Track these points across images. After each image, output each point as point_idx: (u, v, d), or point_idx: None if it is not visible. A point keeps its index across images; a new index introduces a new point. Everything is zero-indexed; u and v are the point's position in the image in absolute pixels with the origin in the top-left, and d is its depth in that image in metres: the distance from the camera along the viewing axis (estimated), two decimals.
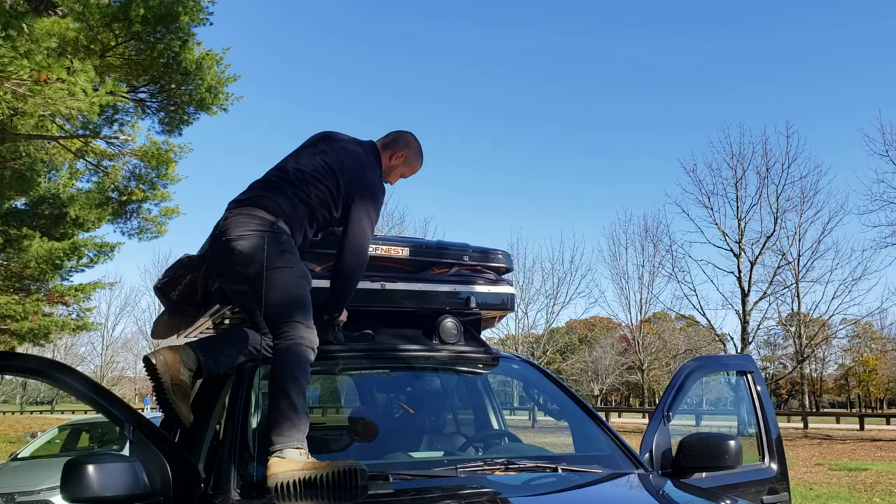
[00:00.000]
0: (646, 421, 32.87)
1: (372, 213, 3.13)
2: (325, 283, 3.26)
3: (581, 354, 58.98)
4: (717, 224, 32.12)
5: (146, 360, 2.78)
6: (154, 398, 2.81)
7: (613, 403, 65.33)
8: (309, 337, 2.76)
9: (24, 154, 17.13)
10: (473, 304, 3.53)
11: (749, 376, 3.55)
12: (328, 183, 3.07)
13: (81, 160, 18.11)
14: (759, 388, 3.56)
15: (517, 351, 41.67)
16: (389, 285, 3.39)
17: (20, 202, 21.45)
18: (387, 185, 3.35)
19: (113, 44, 13.18)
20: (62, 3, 13.31)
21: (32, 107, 8.12)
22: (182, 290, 3.32)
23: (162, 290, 3.36)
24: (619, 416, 40.31)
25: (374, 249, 3.35)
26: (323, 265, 3.22)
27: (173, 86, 13.89)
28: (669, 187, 73.62)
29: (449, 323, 3.51)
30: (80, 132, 16.39)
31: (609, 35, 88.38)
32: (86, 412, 36.85)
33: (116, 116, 15.72)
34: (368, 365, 3.49)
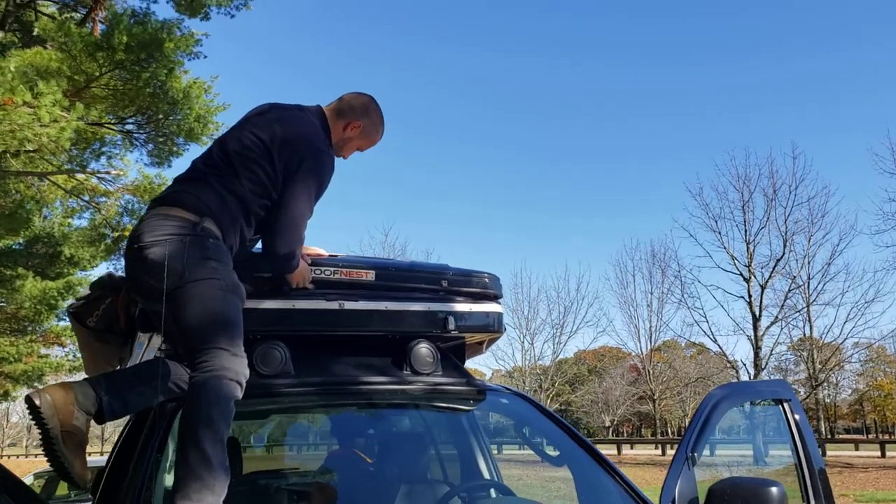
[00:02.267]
0: (658, 452, 31.92)
1: (313, 189, 2.59)
2: (272, 304, 2.72)
3: (591, 385, 58.02)
4: (725, 248, 31.45)
5: (28, 399, 2.19)
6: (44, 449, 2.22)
7: (625, 434, 64.12)
8: (234, 367, 2.20)
9: (13, 192, 16.72)
10: (452, 326, 2.95)
11: (786, 405, 2.95)
12: (262, 163, 2.54)
13: (74, 198, 17.69)
14: (797, 417, 2.96)
15: (525, 383, 40.88)
16: (350, 305, 2.82)
17: (17, 243, 21.06)
18: (339, 161, 2.82)
19: (97, 74, 12.78)
20: (44, 33, 12.97)
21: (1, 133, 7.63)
22: (101, 315, 2.76)
23: (76, 315, 2.80)
24: (632, 448, 39.31)
25: (332, 273, 2.80)
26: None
27: (161, 116, 13.49)
28: (676, 212, 73.01)
29: (423, 349, 2.94)
30: (69, 166, 16.01)
31: (611, 63, 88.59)
32: None
33: (104, 149, 15.34)
34: (322, 402, 2.90)
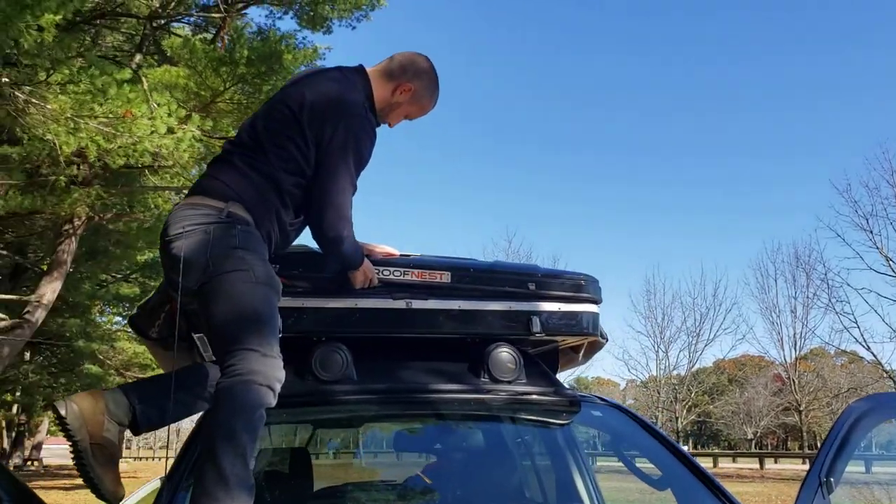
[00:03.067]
0: (806, 468, 29.75)
1: (351, 159, 2.28)
2: (333, 303, 2.46)
3: (731, 396, 55.27)
4: (878, 248, 29.00)
5: (54, 409, 2.02)
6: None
7: (769, 447, 60.66)
8: (264, 370, 1.94)
9: (153, 206, 17.60)
10: (537, 328, 2.59)
11: None
12: (291, 134, 2.28)
13: None
14: None
15: (659, 393, 39.38)
16: (418, 304, 2.52)
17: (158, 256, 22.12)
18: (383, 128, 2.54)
19: (222, 88, 13.21)
20: (172, 51, 13.54)
21: (121, 146, 7.89)
22: (162, 324, 2.59)
23: (137, 326, 2.65)
24: (776, 462, 37.04)
25: (402, 274, 2.52)
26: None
27: None
28: (820, 211, 68.43)
29: (503, 354, 2.60)
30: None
31: (747, 56, 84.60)
32: None
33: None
34: (386, 412, 2.61)
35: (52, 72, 6.83)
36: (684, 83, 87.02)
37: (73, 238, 14.70)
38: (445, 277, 2.55)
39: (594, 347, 3.02)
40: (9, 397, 28.77)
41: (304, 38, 15.36)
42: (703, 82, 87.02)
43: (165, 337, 2.64)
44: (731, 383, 58.98)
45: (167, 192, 16.55)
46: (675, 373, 40.41)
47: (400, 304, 2.51)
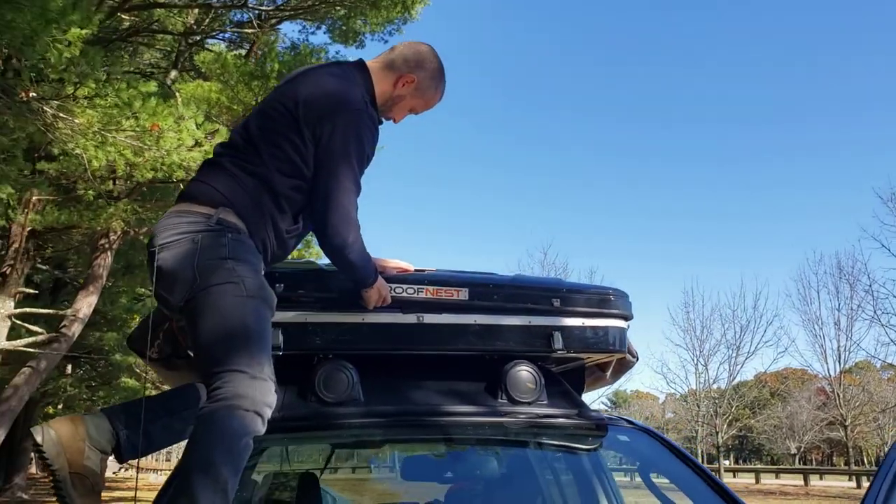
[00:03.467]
0: (853, 485, 28.86)
1: (353, 157, 2.11)
2: (337, 318, 2.31)
3: (773, 409, 54.00)
4: None
5: (31, 435, 1.88)
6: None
7: (814, 463, 59.15)
8: (251, 395, 1.78)
9: None
10: (559, 345, 2.40)
11: None
12: (287, 133, 2.12)
13: None
14: None
15: (699, 407, 38.56)
16: (430, 318, 2.35)
17: None
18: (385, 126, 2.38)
19: (254, 102, 13.22)
20: (203, 66, 13.61)
21: (149, 159, 7.88)
22: (162, 343, 2.45)
23: (135, 347, 2.52)
24: (821, 479, 36.05)
25: (416, 291, 2.35)
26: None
27: None
28: (864, 220, 66.67)
29: (523, 372, 2.42)
30: None
31: (789, 59, 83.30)
32: None
33: None
34: (394, 436, 2.44)
35: (78, 86, 6.82)
36: (723, 89, 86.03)
37: (110, 252, 14.80)
38: (462, 294, 2.37)
39: (623, 366, 2.82)
40: (51, 409, 29.17)
41: (336, 53, 15.37)
42: (744, 87, 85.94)
43: (167, 357, 2.50)
44: (774, 397, 57.69)
45: None
46: (714, 386, 39.56)
47: (411, 318, 2.34)
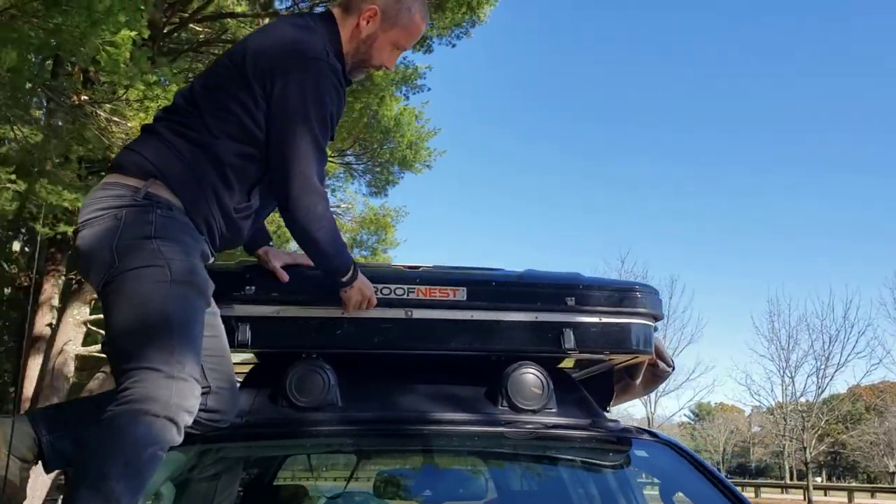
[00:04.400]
0: None
1: (312, 114, 1.81)
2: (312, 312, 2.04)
3: (869, 425, 51.33)
4: None
5: None
6: None
7: None
8: (163, 397, 1.53)
9: None
10: (570, 344, 2.07)
11: None
12: (233, 90, 1.84)
13: None
14: None
15: (786, 421, 36.91)
16: (420, 313, 2.05)
17: None
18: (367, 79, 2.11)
19: None
20: None
21: None
22: None
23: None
24: None
25: (406, 293, 2.04)
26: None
27: (375, 145, 13.63)
28: None
29: (527, 375, 2.09)
30: None
31: (883, 65, 79.66)
32: None
33: (328, 182, 15.95)
34: (374, 444, 2.14)
35: (128, 88, 6.82)
36: (813, 95, 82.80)
37: None
38: (460, 294, 2.06)
39: (657, 376, 2.47)
40: None
41: (403, 59, 15.24)
42: (834, 93, 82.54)
43: None
44: (869, 411, 54.84)
45: (271, 214, 16.84)
46: (802, 399, 37.79)
47: (398, 313, 2.05)
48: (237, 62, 1.85)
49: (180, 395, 1.55)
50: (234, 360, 2.12)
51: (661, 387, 33.78)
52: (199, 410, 1.79)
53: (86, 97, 6.97)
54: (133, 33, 6.80)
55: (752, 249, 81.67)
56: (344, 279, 1.93)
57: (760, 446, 59.73)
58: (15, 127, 10.86)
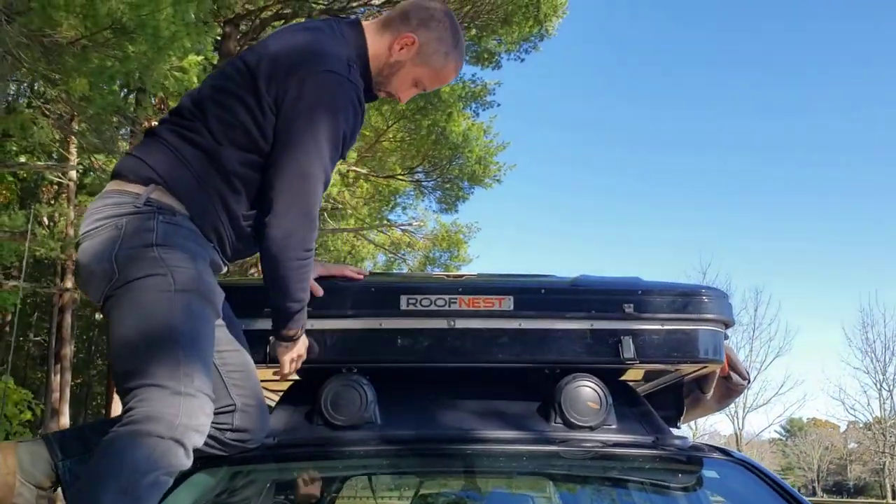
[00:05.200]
0: None
1: (322, 130, 1.65)
2: (348, 324, 1.92)
3: None
4: None
5: None
6: None
7: None
8: (168, 416, 1.42)
9: (332, 248, 18.19)
10: (630, 354, 1.89)
11: None
12: (242, 94, 1.70)
13: (382, 250, 18.71)
14: None
15: (885, 438, 35.05)
16: (464, 323, 1.90)
17: None
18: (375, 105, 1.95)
19: (384, 127, 13.32)
20: None
21: None
22: None
23: None
24: None
25: (447, 303, 1.89)
26: None
27: (444, 162, 13.62)
28: None
29: (584, 389, 1.92)
30: (376, 222, 16.97)
31: None
32: None
33: (398, 200, 16.01)
34: (419, 467, 1.99)
35: None
36: None
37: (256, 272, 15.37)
38: (506, 303, 1.91)
39: (731, 390, 2.26)
40: None
41: (472, 76, 15.21)
42: None
43: None
44: None
45: (345, 234, 17.03)
46: None
47: (440, 322, 1.90)
48: (251, 66, 1.73)
49: (188, 414, 1.44)
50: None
51: (749, 402, 32.60)
52: (226, 430, 1.69)
53: (156, 122, 7.11)
54: (200, 58, 6.92)
55: (841, 255, 78.22)
56: (292, 333, 1.77)
57: (858, 463, 56.81)
58: (96, 156, 11.25)
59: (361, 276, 1.97)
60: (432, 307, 1.89)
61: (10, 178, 11.21)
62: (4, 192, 11.62)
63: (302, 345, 1.80)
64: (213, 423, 1.68)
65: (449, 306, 1.90)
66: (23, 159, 11.13)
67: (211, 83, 1.80)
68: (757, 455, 37.47)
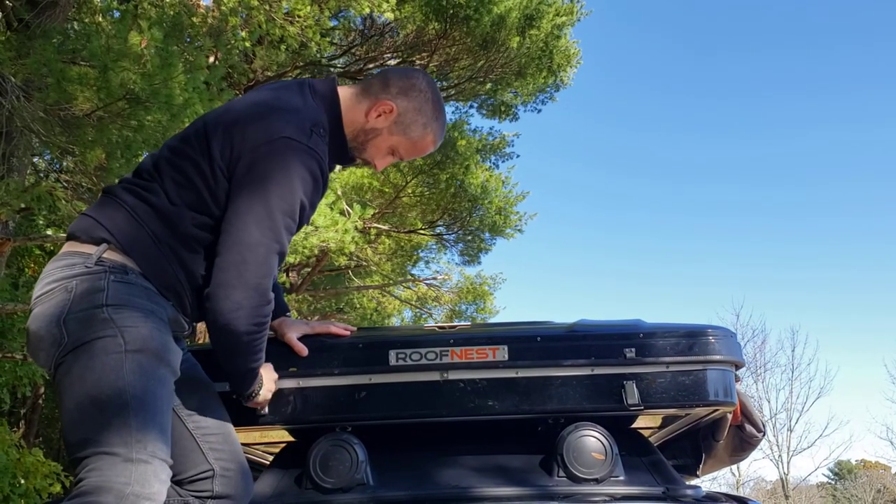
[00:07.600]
0: None
1: (274, 200, 1.57)
2: (336, 381, 1.85)
3: None
4: None
5: None
6: None
7: None
8: (118, 485, 1.36)
9: (358, 305, 18.18)
10: (635, 399, 1.79)
11: None
12: (195, 156, 1.65)
13: (408, 306, 18.67)
14: None
15: None
16: (457, 375, 1.82)
17: None
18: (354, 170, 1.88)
19: (403, 183, 13.36)
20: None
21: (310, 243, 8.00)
22: None
23: None
24: None
25: (437, 356, 1.82)
26: None
27: (464, 214, 13.60)
28: None
29: (588, 439, 1.82)
30: (400, 278, 16.96)
31: None
32: None
33: (421, 254, 15.98)
34: None
35: None
36: None
37: None
38: (500, 353, 1.82)
39: (747, 443, 2.15)
40: None
41: (490, 129, 15.28)
42: None
43: None
44: None
45: (370, 291, 17.01)
46: None
47: (432, 376, 1.83)
48: (209, 128, 1.68)
49: (141, 482, 1.37)
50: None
51: (793, 445, 31.57)
52: (206, 497, 1.61)
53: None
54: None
55: (879, 285, 76.53)
56: (251, 391, 1.70)
57: None
58: None
59: (348, 333, 1.91)
60: (423, 361, 1.82)
61: (38, 251, 11.36)
62: (32, 265, 11.79)
63: (268, 383, 1.73)
64: (192, 491, 1.61)
65: (440, 359, 1.82)
66: (49, 232, 11.31)
67: (170, 144, 1.76)
68: (806, 501, 36.16)
